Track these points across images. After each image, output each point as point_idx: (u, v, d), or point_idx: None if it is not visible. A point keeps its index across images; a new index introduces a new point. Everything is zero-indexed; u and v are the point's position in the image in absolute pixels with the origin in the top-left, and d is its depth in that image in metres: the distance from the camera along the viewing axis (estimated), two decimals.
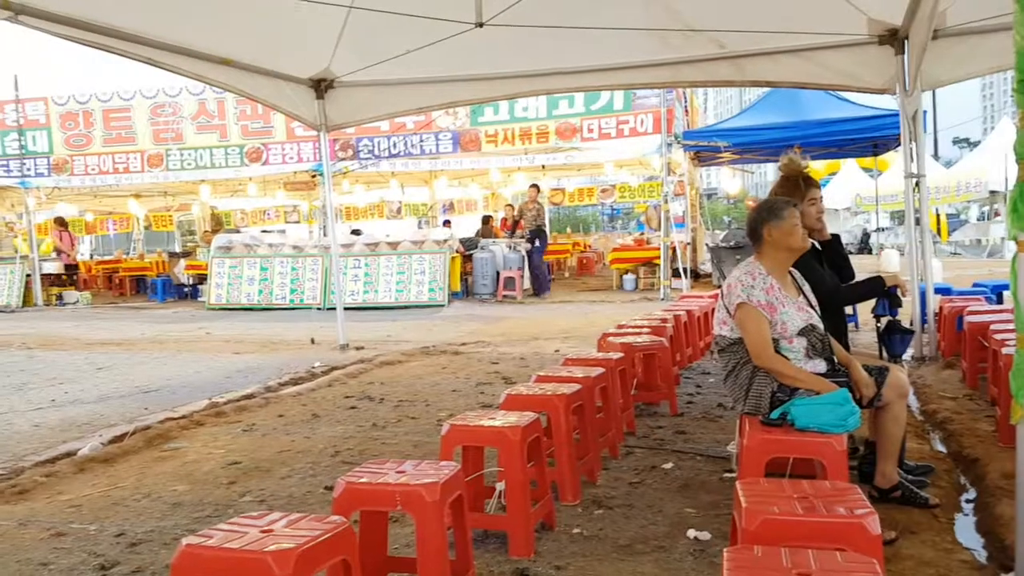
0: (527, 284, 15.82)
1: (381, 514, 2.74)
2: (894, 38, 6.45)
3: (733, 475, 4.07)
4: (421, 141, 16.08)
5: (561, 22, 6.04)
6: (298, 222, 26.12)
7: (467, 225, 21.89)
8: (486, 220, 19.24)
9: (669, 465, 4.42)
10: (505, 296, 15.16)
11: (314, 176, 18.13)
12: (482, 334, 10.50)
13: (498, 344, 9.49)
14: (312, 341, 9.99)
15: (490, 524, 3.41)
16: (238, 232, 19.73)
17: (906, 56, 6.46)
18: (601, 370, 4.49)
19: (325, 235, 16.49)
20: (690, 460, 4.52)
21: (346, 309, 10.05)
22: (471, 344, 9.56)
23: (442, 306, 14.00)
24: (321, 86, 8.08)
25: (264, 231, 20.71)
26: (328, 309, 13.60)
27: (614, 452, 4.62)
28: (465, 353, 8.92)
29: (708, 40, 6.56)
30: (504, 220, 19.56)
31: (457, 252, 15.08)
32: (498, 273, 15.41)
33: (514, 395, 3.92)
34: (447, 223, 20.98)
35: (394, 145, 16.21)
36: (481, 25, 5.70)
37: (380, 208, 25.10)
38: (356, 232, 17.42)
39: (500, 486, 3.33)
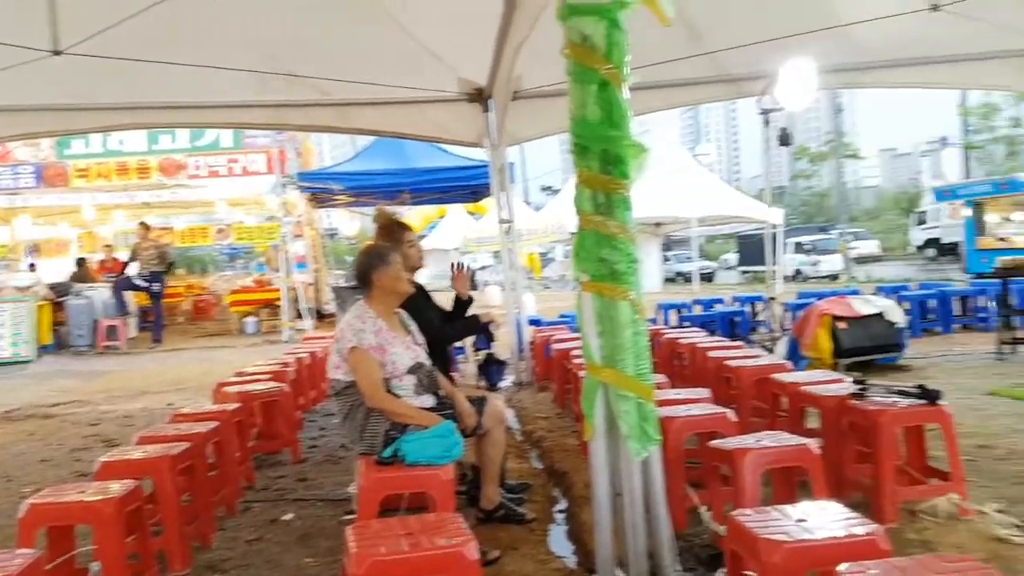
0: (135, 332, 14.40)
1: None
2: (481, 97, 7.18)
3: (354, 516, 4.12)
4: None
5: (156, 55, 5.68)
6: None
7: (59, 268, 19.31)
8: (81, 263, 17.16)
9: (290, 516, 4.33)
10: (107, 347, 13.64)
11: None
12: (79, 392, 9.33)
13: (98, 402, 8.50)
14: None
15: None
16: None
17: (491, 114, 7.24)
18: (214, 424, 4.26)
19: None
20: (311, 507, 4.48)
21: None
22: (65, 404, 8.44)
23: (28, 362, 12.16)
24: None
25: None
26: None
27: (231, 510, 4.40)
28: (58, 415, 7.85)
29: (311, 87, 6.67)
30: (103, 262, 17.64)
31: (46, 299, 13.23)
32: (97, 321, 13.81)
33: (111, 461, 3.55)
34: (32, 267, 18.30)
35: None
36: (59, 53, 5.13)
37: None
38: None
39: (95, 567, 2.98)
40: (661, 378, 5.14)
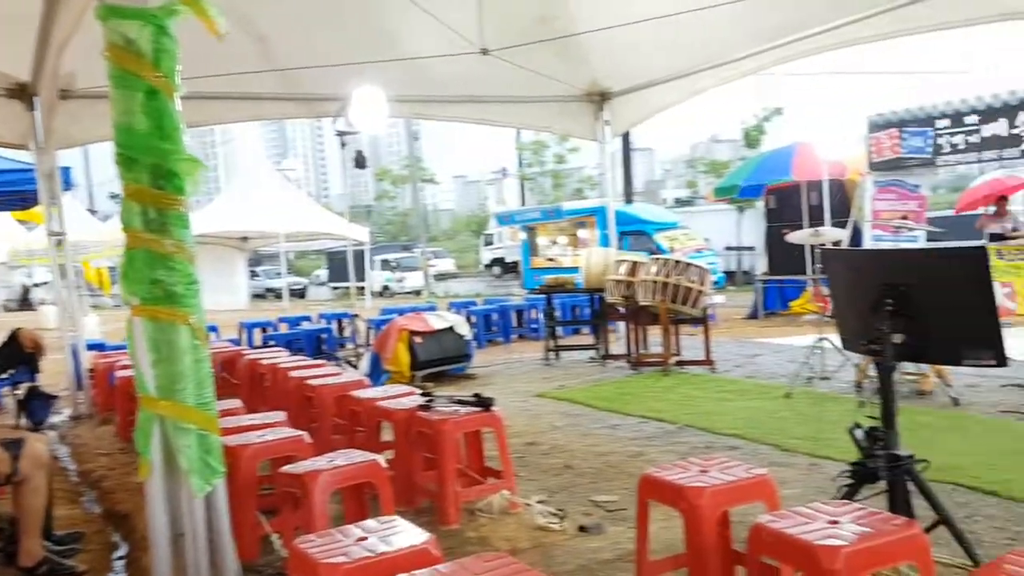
0: None
1: None
2: (24, 93, 6.24)
3: None
4: None
5: None
6: None
7: None
8: None
9: None
10: None
11: None
12: None
13: None
14: None
15: None
16: None
17: (37, 112, 6.32)
18: None
19: None
20: None
21: None
22: None
23: None
24: None
25: None
26: None
27: None
28: None
29: None
30: None
31: None
32: None
33: None
34: None
35: None
36: None
37: None
38: None
39: None
40: (237, 403, 4.95)
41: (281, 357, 6.84)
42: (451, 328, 8.54)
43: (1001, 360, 2.79)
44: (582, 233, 20.85)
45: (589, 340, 9.73)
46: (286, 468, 3.43)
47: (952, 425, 5.21)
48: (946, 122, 10.14)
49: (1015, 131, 9.45)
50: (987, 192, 13.09)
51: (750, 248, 21.30)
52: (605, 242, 10.62)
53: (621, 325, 9.16)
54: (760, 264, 13.91)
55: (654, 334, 8.37)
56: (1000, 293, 9.86)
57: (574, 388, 7.52)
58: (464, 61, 6.03)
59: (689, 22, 6.38)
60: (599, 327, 9.29)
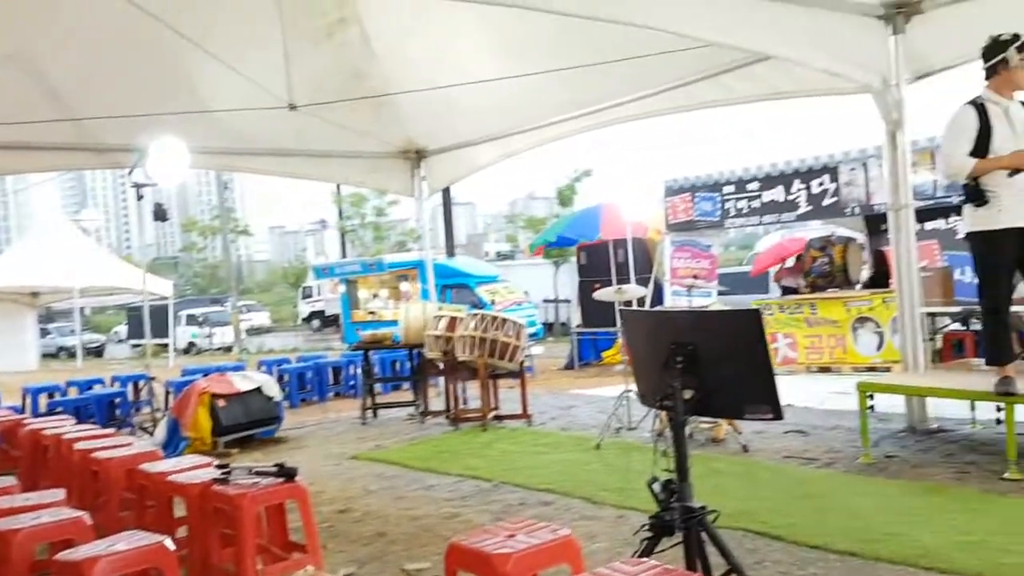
0: None
1: None
2: None
3: None
4: None
5: None
6: None
7: None
8: None
9: None
10: None
11: None
12: None
13: None
14: None
15: None
16: None
17: None
18: None
19: None
20: None
21: None
22: None
23: None
24: None
25: None
26: None
27: None
28: None
29: None
30: None
31: None
32: None
33: None
34: None
35: None
36: None
37: None
38: None
39: None
40: (11, 480, 4.44)
41: (66, 426, 6.23)
42: (258, 389, 8.13)
43: (777, 413, 3.00)
44: (404, 286, 20.79)
45: (409, 396, 9.62)
46: (61, 555, 3.09)
47: (742, 471, 5.57)
48: (731, 188, 11.10)
49: (791, 198, 10.50)
50: (773, 257, 14.32)
51: (566, 300, 22.12)
52: (427, 295, 10.63)
53: (442, 380, 9.14)
54: (575, 316, 14.45)
55: (474, 389, 8.41)
56: (784, 344, 10.81)
57: (391, 448, 7.37)
58: (270, 115, 5.89)
59: (501, 88, 6.60)
60: (418, 383, 9.21)
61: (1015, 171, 4.68)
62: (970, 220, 4.95)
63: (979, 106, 4.83)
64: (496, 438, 7.48)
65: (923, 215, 10.17)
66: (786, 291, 11.42)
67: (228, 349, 27.78)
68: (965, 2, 5.53)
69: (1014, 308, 5.12)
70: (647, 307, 10.78)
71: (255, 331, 33.55)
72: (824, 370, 10.42)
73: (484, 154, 9.05)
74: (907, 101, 5.87)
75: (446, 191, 21.22)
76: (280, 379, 10.33)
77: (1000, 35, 4.81)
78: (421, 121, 8.46)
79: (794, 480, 5.36)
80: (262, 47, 5.92)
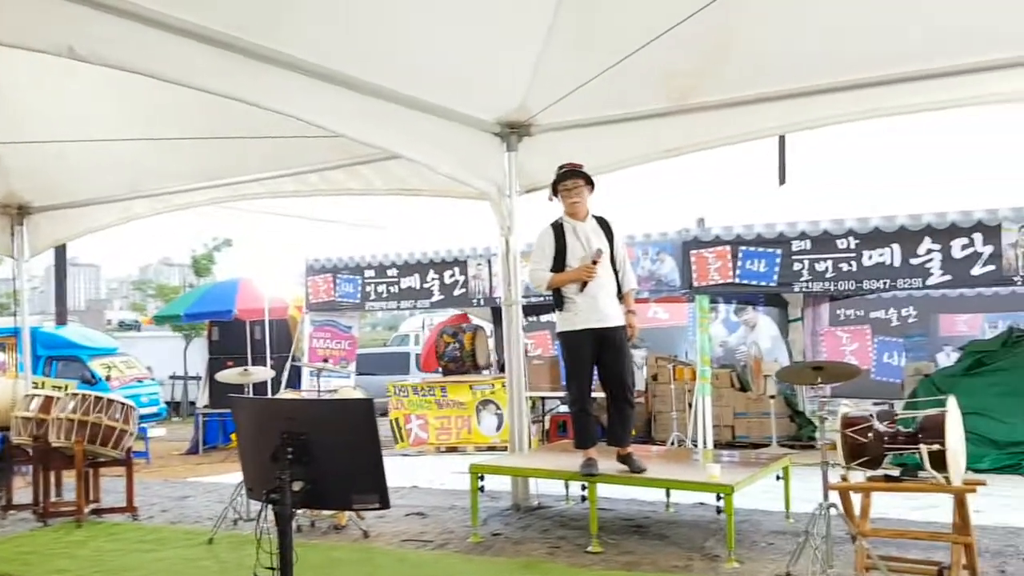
0: None
1: None
2: None
3: None
4: None
5: None
6: None
7: None
8: None
9: None
10: None
11: None
12: None
13: None
14: None
15: None
16: None
17: None
18: None
19: None
20: None
21: None
22: None
23: None
24: None
25: None
26: None
27: None
28: None
29: None
30: None
31: None
32: None
33: None
34: None
35: None
36: None
37: None
38: None
39: None
40: None
41: None
42: None
43: (384, 502, 3.06)
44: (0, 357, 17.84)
45: None
46: None
47: (361, 558, 5.56)
48: (372, 272, 11.45)
49: (426, 286, 11.11)
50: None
51: (196, 378, 20.64)
52: (24, 368, 9.27)
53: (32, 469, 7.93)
54: (202, 396, 13.53)
55: (70, 479, 7.40)
56: (416, 425, 11.22)
57: None
58: None
59: (120, 149, 6.15)
60: (3, 472, 7.89)
61: (584, 283, 5.48)
62: (558, 322, 5.75)
63: (558, 227, 5.66)
64: (92, 535, 6.64)
65: (541, 308, 11.41)
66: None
67: None
68: (563, 131, 6.45)
69: (597, 395, 5.88)
70: (282, 389, 10.50)
71: None
72: (452, 450, 10.97)
73: (102, 215, 8.27)
74: (518, 210, 6.62)
75: (60, 252, 18.93)
76: None
77: (561, 166, 5.67)
78: (27, 174, 7.53)
79: (409, 564, 5.48)
80: None
